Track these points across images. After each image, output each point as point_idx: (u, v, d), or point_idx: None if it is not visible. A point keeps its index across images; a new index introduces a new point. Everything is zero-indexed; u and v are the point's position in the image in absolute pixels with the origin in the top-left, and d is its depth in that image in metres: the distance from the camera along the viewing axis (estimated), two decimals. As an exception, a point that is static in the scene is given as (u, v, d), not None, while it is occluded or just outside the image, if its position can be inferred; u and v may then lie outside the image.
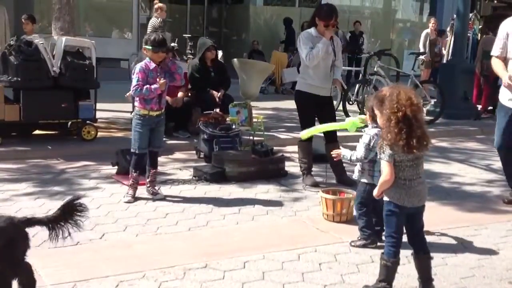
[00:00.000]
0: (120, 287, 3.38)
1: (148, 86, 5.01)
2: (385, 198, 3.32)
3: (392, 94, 3.15)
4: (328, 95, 5.94)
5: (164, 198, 5.15)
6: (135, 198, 5.09)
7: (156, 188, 5.26)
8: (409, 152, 3.14)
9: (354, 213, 4.54)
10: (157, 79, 5.05)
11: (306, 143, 5.86)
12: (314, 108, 5.84)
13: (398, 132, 3.08)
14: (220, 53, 11.95)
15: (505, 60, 5.14)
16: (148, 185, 5.24)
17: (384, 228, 3.42)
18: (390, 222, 3.29)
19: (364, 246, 4.14)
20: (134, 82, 5.06)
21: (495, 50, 5.21)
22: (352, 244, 4.17)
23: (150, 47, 5.03)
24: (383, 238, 3.63)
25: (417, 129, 3.10)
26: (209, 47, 8.04)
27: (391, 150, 3.16)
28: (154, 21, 11.96)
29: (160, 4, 12.19)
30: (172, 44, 9.96)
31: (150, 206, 4.96)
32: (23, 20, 9.66)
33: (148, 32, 11.81)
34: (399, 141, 3.09)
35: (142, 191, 5.24)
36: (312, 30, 5.72)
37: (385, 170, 3.22)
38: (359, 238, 4.20)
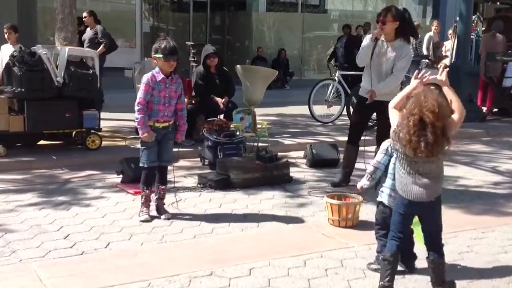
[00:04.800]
0: (126, 296, 3.38)
1: (141, 117, 4.63)
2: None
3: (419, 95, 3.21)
4: (385, 99, 5.34)
5: (170, 217, 4.84)
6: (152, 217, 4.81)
7: (165, 206, 4.98)
8: (413, 155, 3.23)
9: (360, 218, 4.50)
10: (146, 133, 4.64)
11: (351, 147, 5.83)
12: (365, 114, 5.92)
13: (412, 134, 3.18)
14: None
15: None
16: (156, 202, 4.93)
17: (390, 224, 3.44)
18: (396, 218, 3.40)
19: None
20: (138, 95, 4.74)
21: None
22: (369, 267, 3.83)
23: (160, 55, 4.68)
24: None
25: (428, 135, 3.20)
26: (209, 54, 8.04)
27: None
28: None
29: None
30: None
31: (155, 214, 4.94)
32: (4, 29, 8.84)
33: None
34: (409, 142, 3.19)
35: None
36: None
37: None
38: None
